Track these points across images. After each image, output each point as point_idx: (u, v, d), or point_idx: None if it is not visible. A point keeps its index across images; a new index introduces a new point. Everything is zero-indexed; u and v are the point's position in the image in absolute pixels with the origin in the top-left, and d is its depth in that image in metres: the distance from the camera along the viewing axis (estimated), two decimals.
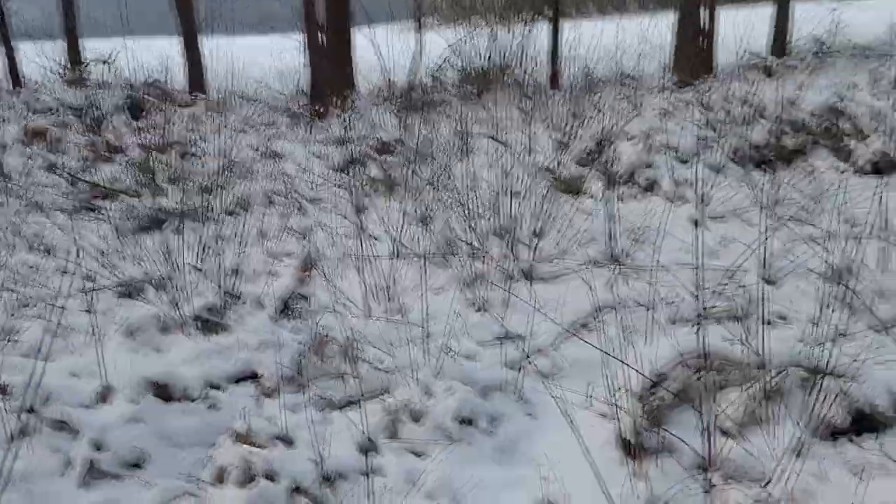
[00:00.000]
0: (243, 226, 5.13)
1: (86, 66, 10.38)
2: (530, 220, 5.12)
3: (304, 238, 5.19)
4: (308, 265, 4.39)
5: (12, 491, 2.60)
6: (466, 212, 5.04)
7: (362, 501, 2.62)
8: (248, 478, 2.67)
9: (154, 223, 5.66)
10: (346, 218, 5.64)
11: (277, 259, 4.89)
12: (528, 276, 4.47)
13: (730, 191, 5.44)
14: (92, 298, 3.93)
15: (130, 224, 5.54)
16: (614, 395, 2.67)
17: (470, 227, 4.82)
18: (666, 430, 2.54)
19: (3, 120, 8.19)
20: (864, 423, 2.58)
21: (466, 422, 2.98)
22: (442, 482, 2.67)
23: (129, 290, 4.42)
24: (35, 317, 3.95)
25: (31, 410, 3.00)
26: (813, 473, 2.43)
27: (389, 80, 10.16)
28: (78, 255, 4.43)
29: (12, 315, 3.95)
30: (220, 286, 3.96)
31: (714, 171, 5.83)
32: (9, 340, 3.68)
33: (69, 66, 10.66)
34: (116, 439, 2.90)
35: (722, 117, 6.82)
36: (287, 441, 2.89)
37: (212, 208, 5.71)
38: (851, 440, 2.58)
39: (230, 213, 5.84)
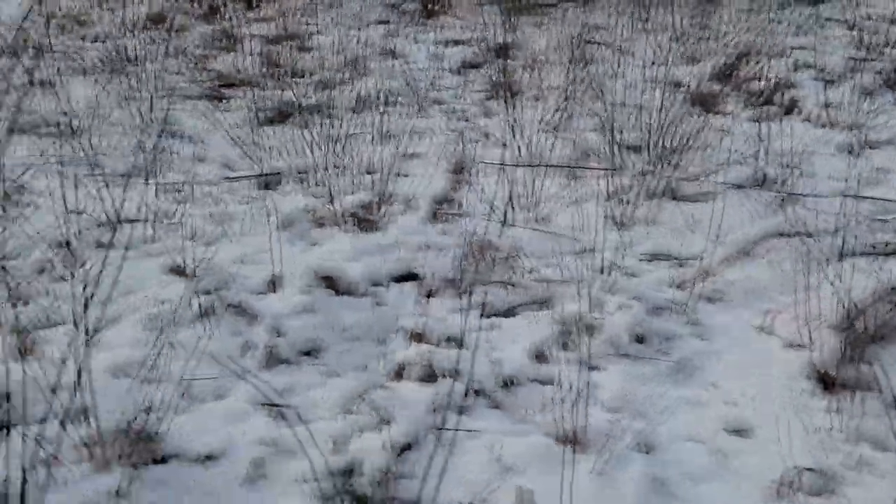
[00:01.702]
0: (371, 125, 5.08)
1: None
2: (666, 136, 4.93)
3: (431, 139, 5.11)
4: (460, 168, 4.34)
5: (203, 367, 2.70)
6: (603, 122, 4.87)
7: (538, 408, 2.64)
8: (428, 375, 2.71)
9: (280, 116, 5.66)
10: (468, 121, 5.53)
11: (408, 159, 4.85)
12: (673, 193, 4.33)
13: (885, 116, 5.11)
14: (245, 186, 3.99)
15: (258, 116, 5.54)
16: (807, 324, 2.59)
17: (612, 139, 4.66)
18: (869, 363, 2.45)
19: (123, 5, 8.20)
20: None
21: (639, 339, 2.94)
22: (620, 396, 2.66)
23: (269, 181, 4.46)
24: (181, 201, 4.03)
25: (208, 293, 3.09)
26: None
27: None
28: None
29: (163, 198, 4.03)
30: (372, 183, 3.96)
31: (866, 95, 5.47)
32: (165, 221, 3.77)
33: None
34: (292, 327, 2.97)
35: (870, 39, 6.35)
36: (458, 343, 2.91)
37: (335, 105, 5.66)
38: None
39: (352, 111, 5.78)
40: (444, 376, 2.70)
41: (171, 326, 2.85)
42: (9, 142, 4.91)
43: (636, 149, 4.95)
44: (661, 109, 5.20)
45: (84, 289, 2.39)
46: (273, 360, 2.85)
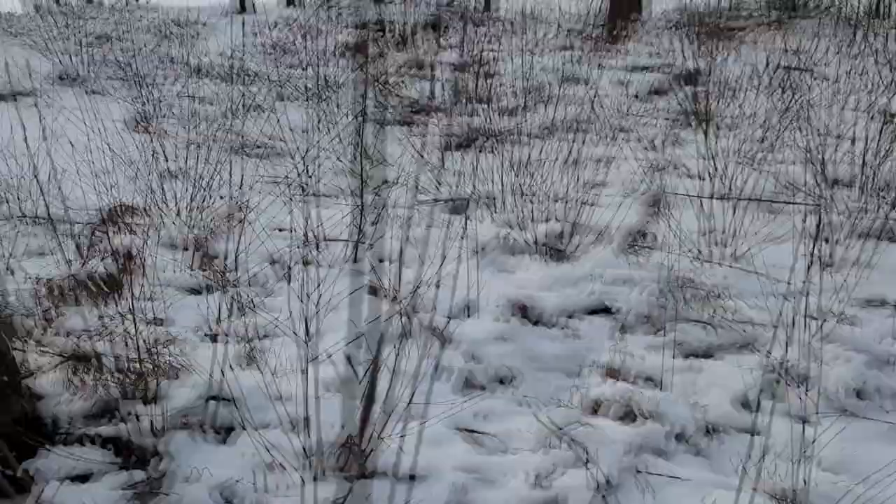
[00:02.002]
0: (557, 152, 5.08)
1: None
2: (881, 170, 4.54)
3: (619, 168, 5.02)
4: (651, 199, 4.25)
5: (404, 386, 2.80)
6: (808, 154, 4.57)
7: (747, 461, 2.49)
8: (626, 413, 2.65)
9: (468, 141, 5.81)
10: (658, 150, 5.40)
11: (593, 188, 4.80)
12: (891, 233, 3.98)
13: None
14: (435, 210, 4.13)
15: (446, 140, 5.72)
16: None
17: (819, 171, 4.37)
18: None
19: (318, 32, 8.79)
20: None
21: (859, 394, 2.72)
22: (839, 456, 2.46)
23: (459, 206, 4.58)
24: (374, 222, 4.22)
25: (405, 315, 3.21)
26: None
27: (685, 2, 9.49)
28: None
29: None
30: (564, 211, 3.96)
31: None
32: (362, 242, 3.97)
33: None
34: (487, 354, 3.01)
35: None
36: (656, 383, 2.82)
37: (521, 131, 5.72)
38: None
39: (536, 137, 5.82)
40: (642, 416, 2.63)
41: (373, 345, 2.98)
42: (231, 161, 5.41)
43: (845, 183, 4.61)
44: (874, 141, 4.81)
45: (303, 304, 2.57)
46: (469, 385, 2.91)
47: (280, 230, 4.35)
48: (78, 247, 3.71)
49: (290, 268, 3.65)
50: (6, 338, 2.36)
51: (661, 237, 3.91)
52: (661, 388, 2.81)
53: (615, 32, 8.56)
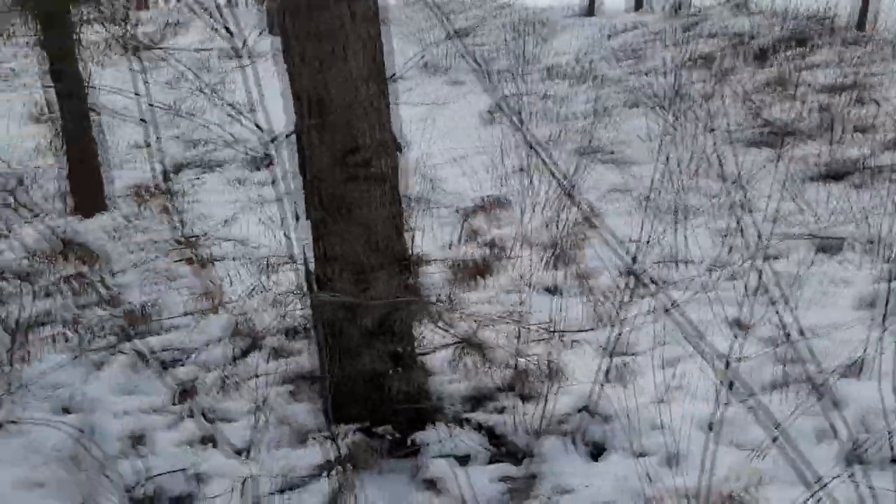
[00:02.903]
0: None
1: None
2: None
3: None
4: None
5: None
6: None
7: None
8: None
9: (836, 173, 5.23)
10: None
11: None
12: None
13: None
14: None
15: (816, 169, 5.20)
16: None
17: None
18: None
19: (664, 44, 8.54)
20: None
21: None
22: None
23: (827, 246, 4.11)
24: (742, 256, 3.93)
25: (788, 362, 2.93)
26: None
27: None
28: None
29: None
30: None
31: None
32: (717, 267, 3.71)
33: None
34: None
35: None
36: None
37: None
38: None
39: None
40: None
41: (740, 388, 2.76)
42: (581, 166, 5.46)
43: None
44: None
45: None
46: (857, 459, 2.56)
47: (631, 241, 4.26)
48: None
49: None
50: (416, 316, 2.54)
51: None
52: None
53: None
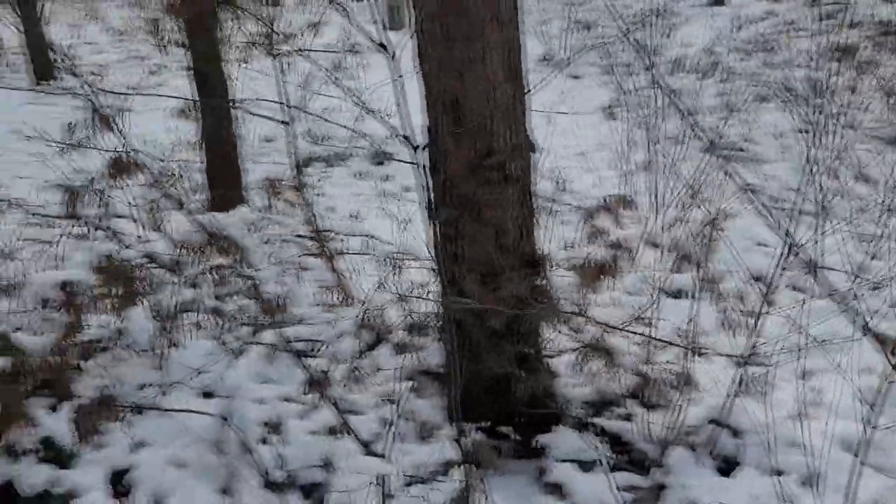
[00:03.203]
0: None
1: None
2: None
3: None
4: None
5: None
6: None
7: None
8: None
9: None
10: None
11: None
12: None
13: None
14: None
15: None
16: None
17: None
18: None
19: (798, 34, 8.07)
20: None
21: None
22: None
23: None
24: None
25: None
26: None
27: None
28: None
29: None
30: None
31: None
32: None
33: None
34: None
35: None
36: None
37: None
38: None
39: None
40: None
41: None
42: (709, 163, 5.24)
43: None
44: None
45: None
46: None
47: (765, 244, 4.08)
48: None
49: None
50: (544, 319, 2.53)
51: None
52: None
53: None
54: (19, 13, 8.33)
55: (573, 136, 6.28)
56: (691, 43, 8.45)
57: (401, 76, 1.86)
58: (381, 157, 5.68)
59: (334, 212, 5.01)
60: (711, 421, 2.52)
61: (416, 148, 1.89)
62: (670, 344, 2.53)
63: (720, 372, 2.67)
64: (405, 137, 1.80)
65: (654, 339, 2.47)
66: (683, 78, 7.52)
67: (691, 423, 2.52)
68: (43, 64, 8.72)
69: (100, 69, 8.60)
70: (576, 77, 7.90)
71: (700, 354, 2.53)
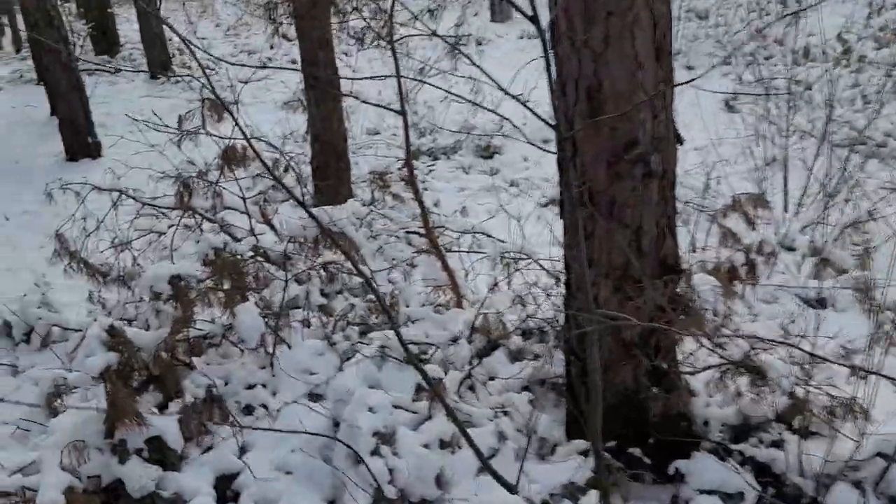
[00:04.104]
0: None
1: None
2: None
3: None
4: None
5: None
6: None
7: None
8: None
9: None
10: None
11: None
12: None
13: None
14: None
15: None
16: None
17: None
18: None
19: None
20: None
21: None
22: None
23: None
24: None
25: None
26: None
27: None
28: None
29: None
30: None
31: None
32: None
33: None
34: None
35: None
36: None
37: None
38: None
39: None
40: None
41: None
42: (845, 160, 4.79)
43: None
44: None
45: None
46: None
47: None
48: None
49: None
50: (684, 331, 2.27)
51: None
52: None
53: None
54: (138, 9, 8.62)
55: (692, 130, 5.89)
56: (819, 31, 7.85)
57: (543, 56, 1.64)
58: (488, 152, 5.49)
59: (440, 206, 4.85)
60: (880, 454, 2.19)
61: (564, 139, 1.67)
62: (838, 364, 2.21)
63: (890, 397, 2.33)
64: (554, 126, 1.58)
65: (818, 357, 2.15)
66: (811, 68, 6.98)
67: (856, 456, 2.20)
68: (159, 57, 9.03)
69: (214, 62, 8.80)
70: (689, 68, 7.47)
71: (868, 376, 2.20)
